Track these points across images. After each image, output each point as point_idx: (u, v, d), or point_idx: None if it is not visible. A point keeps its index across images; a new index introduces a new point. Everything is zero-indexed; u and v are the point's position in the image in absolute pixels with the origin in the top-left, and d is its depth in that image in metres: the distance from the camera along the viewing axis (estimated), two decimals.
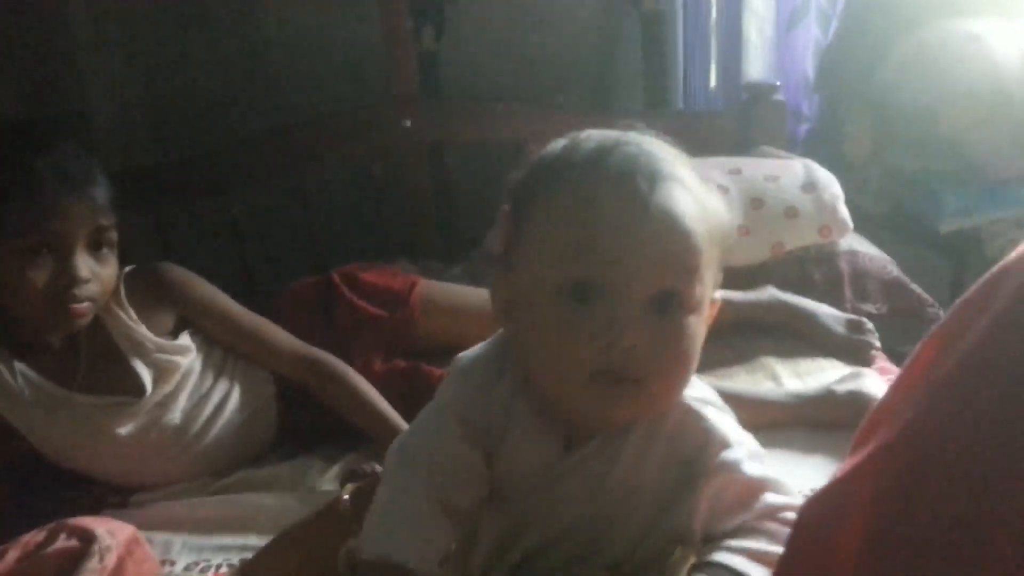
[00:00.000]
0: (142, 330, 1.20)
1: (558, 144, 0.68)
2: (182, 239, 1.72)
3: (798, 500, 0.68)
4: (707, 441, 0.68)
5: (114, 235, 1.14)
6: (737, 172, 1.63)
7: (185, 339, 1.24)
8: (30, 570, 0.99)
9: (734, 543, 0.67)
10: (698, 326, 0.65)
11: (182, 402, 1.23)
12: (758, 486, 0.68)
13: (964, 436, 0.47)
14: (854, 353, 1.35)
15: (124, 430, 1.19)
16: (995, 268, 0.52)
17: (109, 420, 1.19)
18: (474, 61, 1.94)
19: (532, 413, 0.69)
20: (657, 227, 0.62)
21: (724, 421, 0.70)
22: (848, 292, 1.52)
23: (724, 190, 1.60)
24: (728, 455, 0.68)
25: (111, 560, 1.02)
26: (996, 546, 0.44)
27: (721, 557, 0.66)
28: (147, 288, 1.22)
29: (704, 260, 0.63)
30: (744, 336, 1.44)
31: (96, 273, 1.12)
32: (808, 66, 1.97)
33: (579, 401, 0.64)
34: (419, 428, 0.72)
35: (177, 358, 1.22)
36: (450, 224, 1.89)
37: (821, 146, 1.98)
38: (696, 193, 0.65)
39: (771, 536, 0.67)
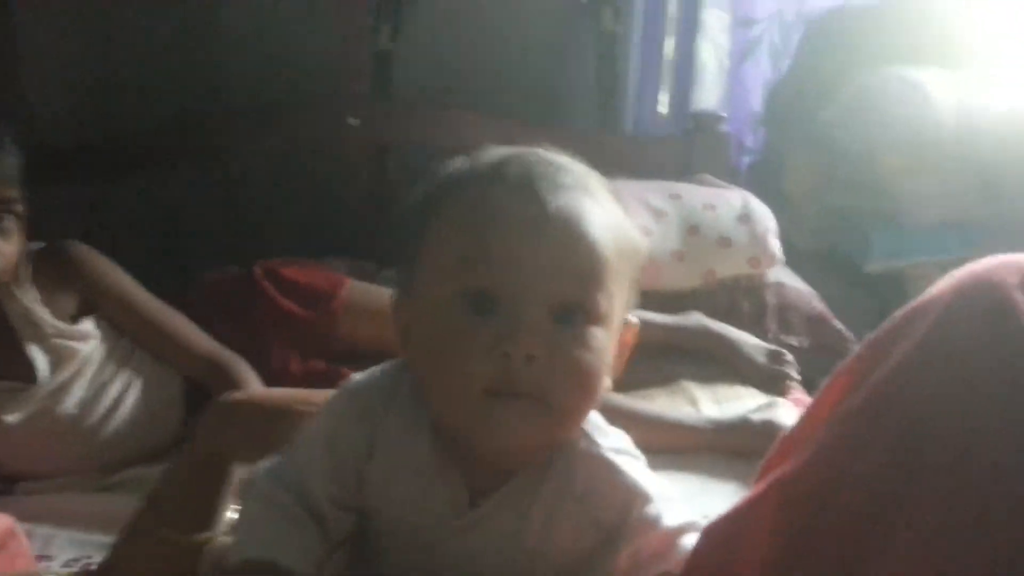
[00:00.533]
0: (44, 313, 1.16)
1: (457, 160, 0.65)
2: (106, 220, 1.67)
3: None
4: (629, 501, 0.64)
5: (19, 208, 1.09)
6: (677, 197, 1.65)
7: (87, 324, 1.20)
8: None
9: None
10: (606, 342, 0.60)
11: (79, 391, 1.18)
12: (676, 534, 0.64)
13: (866, 466, 0.48)
14: (773, 383, 1.37)
15: (12, 417, 1.14)
16: (908, 306, 0.53)
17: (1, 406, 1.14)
18: (428, 64, 1.92)
19: (428, 453, 0.63)
20: (557, 233, 0.58)
21: (640, 471, 0.66)
22: (772, 323, 1.55)
23: (662, 214, 1.61)
24: (649, 511, 0.64)
25: None
26: (894, 573, 0.44)
27: None
28: (54, 268, 1.18)
29: (611, 271, 0.59)
30: (667, 359, 1.45)
31: None
32: (756, 99, 2.01)
33: (474, 422, 0.59)
34: (293, 454, 0.67)
35: (77, 344, 1.18)
36: (388, 225, 1.87)
37: (762, 179, 2.01)
38: (605, 205, 0.61)
39: None
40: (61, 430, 1.17)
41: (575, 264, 0.59)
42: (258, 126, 1.70)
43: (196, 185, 1.76)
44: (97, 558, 1.04)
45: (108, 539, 1.03)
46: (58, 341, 1.16)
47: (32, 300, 1.15)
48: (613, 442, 0.66)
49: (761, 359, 1.40)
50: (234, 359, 1.21)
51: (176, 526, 0.80)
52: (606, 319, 0.60)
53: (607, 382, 0.62)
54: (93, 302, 1.21)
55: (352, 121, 1.72)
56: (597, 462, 0.65)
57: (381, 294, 1.39)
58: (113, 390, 1.21)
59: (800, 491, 0.52)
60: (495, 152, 0.63)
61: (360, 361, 1.33)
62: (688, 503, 0.69)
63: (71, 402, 1.17)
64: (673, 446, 1.21)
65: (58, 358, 1.17)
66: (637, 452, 0.68)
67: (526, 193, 0.59)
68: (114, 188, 1.68)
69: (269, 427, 0.78)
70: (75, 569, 1.01)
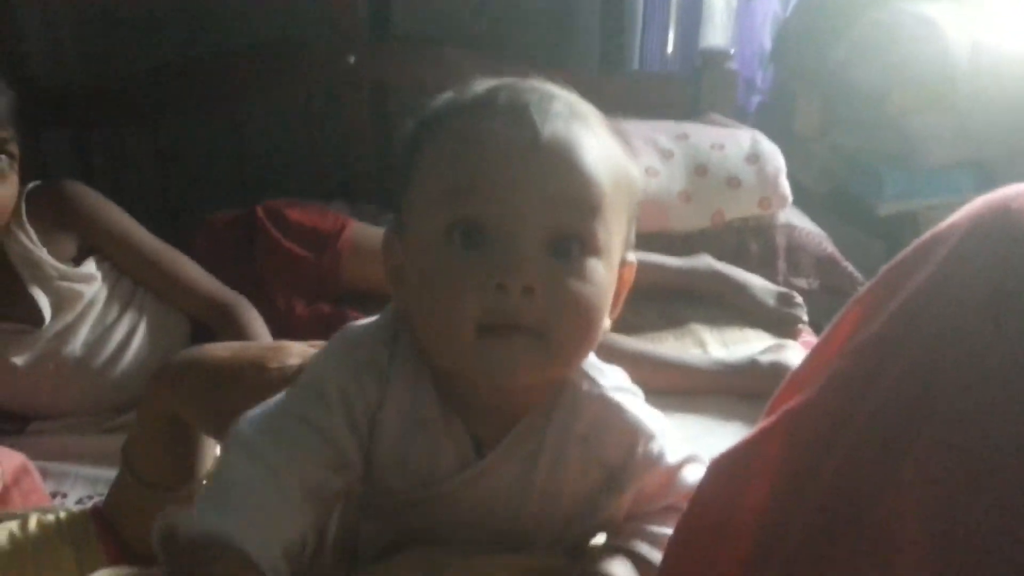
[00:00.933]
0: (43, 254, 1.14)
1: (446, 93, 0.60)
2: (106, 163, 1.65)
3: None
4: (634, 439, 0.63)
5: (14, 148, 1.07)
6: (684, 137, 1.62)
7: (90, 266, 1.18)
8: None
9: (656, 530, 0.64)
10: (605, 277, 0.57)
11: (83, 334, 1.17)
12: (677, 468, 0.65)
13: (875, 400, 0.46)
14: (782, 325, 1.36)
15: (20, 359, 1.14)
16: (925, 236, 0.51)
17: (4, 348, 1.13)
18: (429, 3, 1.88)
19: (432, 404, 0.61)
20: (550, 160, 0.55)
21: (640, 408, 0.65)
22: (782, 265, 1.53)
23: (669, 154, 1.59)
24: (653, 448, 0.64)
25: None
26: (899, 512, 0.43)
27: (642, 549, 0.64)
28: (50, 207, 1.16)
29: (608, 202, 0.56)
30: (675, 302, 1.45)
31: None
32: (765, 37, 1.96)
33: (471, 361, 0.56)
34: (289, 399, 0.61)
35: (80, 286, 1.16)
36: (389, 167, 1.85)
37: (771, 119, 1.97)
38: (600, 136, 0.58)
39: None
40: (67, 372, 1.16)
41: (570, 193, 0.56)
42: (256, 66, 1.66)
43: (198, 127, 1.73)
44: None
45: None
46: (61, 283, 1.15)
47: (31, 241, 1.13)
48: (612, 380, 0.65)
49: (771, 301, 1.39)
50: (238, 300, 1.20)
51: (153, 480, 0.80)
52: (605, 252, 0.57)
53: (606, 322, 0.60)
54: (92, 241, 1.19)
55: (349, 59, 1.68)
56: (600, 402, 0.63)
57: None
58: (118, 332, 1.20)
59: (808, 424, 0.51)
60: (485, 83, 0.59)
61: (365, 303, 1.34)
62: (693, 444, 0.69)
63: (76, 344, 1.17)
64: (680, 387, 1.21)
65: (61, 300, 1.15)
66: (635, 388, 0.67)
67: (517, 120, 0.55)
68: (115, 131, 1.65)
69: (216, 393, 0.74)
70: (87, 506, 1.02)
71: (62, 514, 0.85)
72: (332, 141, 1.74)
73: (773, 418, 0.53)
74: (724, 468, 0.55)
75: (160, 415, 0.78)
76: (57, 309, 1.15)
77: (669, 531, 0.62)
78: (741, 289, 1.42)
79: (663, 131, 1.63)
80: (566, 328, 0.56)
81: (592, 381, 0.64)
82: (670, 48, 2.00)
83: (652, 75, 1.86)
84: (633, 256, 0.63)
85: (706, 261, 1.47)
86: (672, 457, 0.65)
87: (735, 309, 1.42)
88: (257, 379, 0.72)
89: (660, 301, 1.45)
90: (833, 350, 0.53)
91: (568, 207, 0.56)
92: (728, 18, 1.96)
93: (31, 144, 1.66)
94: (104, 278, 1.19)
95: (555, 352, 0.56)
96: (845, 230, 1.82)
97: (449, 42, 1.77)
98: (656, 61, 1.95)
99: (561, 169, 0.55)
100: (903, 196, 1.82)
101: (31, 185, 1.16)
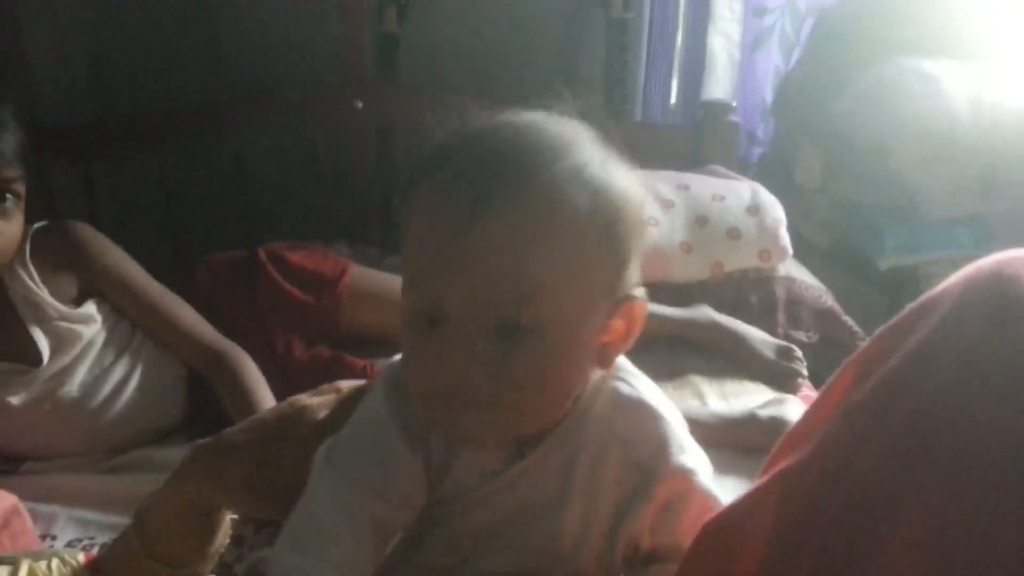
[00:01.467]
0: (44, 294, 1.14)
1: (437, 139, 0.63)
2: (111, 198, 1.67)
3: None
4: (664, 443, 0.63)
5: (20, 188, 1.08)
6: (685, 188, 1.63)
7: (90, 308, 1.19)
8: None
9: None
10: (556, 344, 0.58)
11: (81, 375, 1.17)
12: (713, 506, 0.63)
13: (869, 459, 0.47)
14: (781, 379, 1.35)
15: (16, 399, 1.13)
16: (921, 299, 0.52)
17: (1, 387, 1.13)
18: (435, 48, 1.91)
19: None
20: (478, 256, 0.56)
21: (678, 422, 0.66)
22: (781, 317, 1.53)
23: (670, 204, 1.60)
24: (685, 460, 0.63)
25: None
26: (894, 566, 0.43)
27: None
28: (53, 248, 1.16)
29: (551, 282, 0.57)
30: (674, 353, 1.44)
31: None
32: (767, 90, 1.98)
33: (441, 424, 0.61)
34: (353, 432, 0.65)
35: (79, 327, 1.17)
36: (392, 211, 1.86)
37: (772, 171, 1.99)
38: (556, 202, 0.57)
39: None
40: (63, 413, 1.16)
41: (502, 286, 0.56)
42: (264, 108, 1.69)
43: (204, 165, 1.76)
44: (100, 539, 1.04)
45: (111, 520, 1.05)
46: (60, 324, 1.15)
47: (33, 281, 1.14)
48: (646, 385, 0.66)
49: (770, 354, 1.38)
50: (233, 349, 1.20)
51: (163, 558, 0.77)
52: (555, 325, 0.58)
53: (611, 359, 0.62)
54: (93, 284, 1.19)
55: (357, 104, 1.71)
56: (637, 405, 0.64)
57: (385, 281, 1.38)
58: (115, 374, 1.20)
59: (802, 482, 0.51)
60: (461, 136, 0.61)
61: (364, 347, 1.34)
62: None
63: (73, 385, 1.17)
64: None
65: (60, 341, 1.16)
66: (672, 405, 0.67)
67: (452, 208, 0.56)
68: (121, 166, 1.67)
69: (263, 472, 0.74)
70: (79, 553, 1.01)
71: (54, 562, 0.84)
72: (336, 183, 1.75)
73: (766, 478, 0.53)
74: (716, 531, 0.55)
75: (192, 502, 0.77)
76: (56, 350, 1.15)
77: None
78: (740, 341, 1.42)
79: (664, 181, 1.64)
80: (519, 398, 0.58)
81: (629, 385, 0.65)
82: (673, 99, 2.03)
83: (654, 126, 1.88)
84: (641, 291, 0.63)
85: (706, 312, 1.47)
86: (706, 482, 0.64)
87: (734, 361, 1.41)
88: (296, 450, 0.72)
89: (659, 351, 1.44)
90: (828, 410, 0.53)
91: (502, 298, 0.56)
92: (730, 70, 1.99)
93: (38, 181, 1.69)
94: (103, 320, 1.20)
95: (515, 419, 0.59)
96: (846, 283, 1.82)
97: (454, 88, 1.79)
98: (659, 112, 1.98)
99: (491, 263, 0.56)
100: (904, 250, 1.83)
101: (37, 225, 1.16)
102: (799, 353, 1.38)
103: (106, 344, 1.19)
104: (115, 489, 1.09)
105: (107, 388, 1.19)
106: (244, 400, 1.12)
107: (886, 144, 1.81)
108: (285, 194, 1.78)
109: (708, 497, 0.63)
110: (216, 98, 1.70)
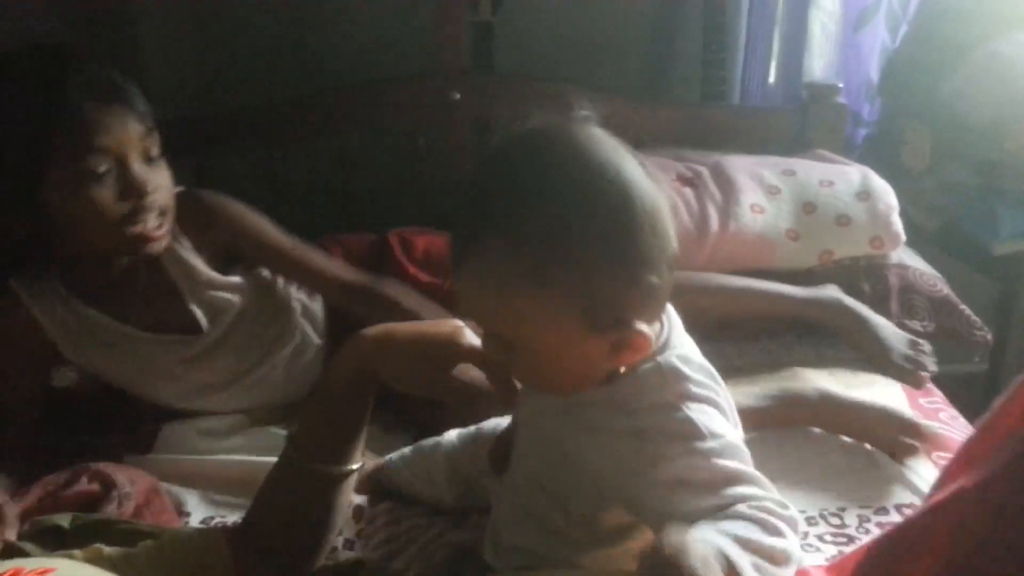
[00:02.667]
0: (198, 265, 1.18)
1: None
2: (217, 189, 1.71)
3: (774, 496, 0.66)
4: (679, 433, 0.68)
5: (158, 139, 1.11)
6: (791, 174, 1.58)
7: (237, 276, 1.23)
8: (50, 509, 0.99)
9: (724, 524, 0.63)
10: (548, 362, 0.70)
11: (236, 341, 1.22)
12: (730, 476, 0.66)
13: None
14: (907, 373, 1.30)
15: (180, 367, 1.20)
16: None
17: (167, 356, 1.19)
18: (529, 36, 1.89)
19: None
20: (464, 290, 0.70)
21: (705, 413, 0.69)
22: (895, 307, 1.47)
23: (776, 191, 1.56)
24: (701, 444, 0.67)
25: (130, 507, 1.03)
26: None
27: (713, 538, 0.62)
28: (195, 215, 1.19)
29: (526, 315, 0.67)
30: (782, 342, 1.43)
31: (157, 183, 1.10)
32: (873, 69, 1.90)
33: None
34: None
35: (231, 296, 1.21)
36: None
37: (878, 152, 1.92)
38: (535, 244, 0.65)
39: (756, 523, 0.63)
40: (219, 376, 1.22)
41: (486, 319, 0.72)
42: (363, 102, 1.70)
43: (307, 159, 1.79)
44: (231, 518, 1.08)
45: (239, 500, 1.09)
46: (213, 293, 1.20)
47: (186, 249, 1.18)
48: (681, 384, 0.71)
49: (898, 346, 1.33)
50: (389, 282, 1.24)
51: (316, 457, 0.86)
52: (536, 345, 0.69)
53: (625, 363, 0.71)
54: (236, 246, 1.23)
55: (454, 95, 1.70)
56: (663, 404, 0.69)
57: None
58: (267, 337, 1.25)
59: (979, 510, 0.49)
60: (489, 154, 0.73)
61: None
62: None
63: (229, 350, 1.22)
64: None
65: (215, 311, 1.20)
66: (713, 385, 0.72)
67: (455, 239, 0.70)
68: (227, 163, 1.71)
69: (422, 362, 0.85)
70: (215, 526, 1.05)
71: (195, 534, 0.88)
72: (434, 175, 1.76)
73: (945, 496, 0.51)
74: (890, 546, 0.53)
75: (349, 383, 0.86)
76: (212, 319, 1.20)
77: (738, 530, 0.62)
78: (865, 327, 1.36)
79: (769, 166, 1.60)
80: (534, 384, 0.76)
81: (664, 356, 0.71)
82: (771, 79, 1.97)
83: (757, 109, 1.83)
84: (641, 327, 0.68)
85: (833, 293, 1.43)
86: (722, 461, 0.67)
87: (856, 349, 1.37)
88: (454, 352, 0.85)
89: (762, 340, 1.43)
90: (1007, 425, 0.51)
91: (485, 319, 0.72)
92: (831, 48, 1.92)
93: None
94: (253, 288, 1.24)
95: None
96: (956, 269, 1.75)
97: (550, 77, 1.78)
98: (757, 94, 1.92)
99: (473, 298, 0.70)
100: (1021, 236, 1.74)
101: (176, 189, 1.18)
102: (928, 347, 1.32)
103: (257, 311, 1.23)
104: (244, 472, 1.13)
105: (259, 351, 1.24)
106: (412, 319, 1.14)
107: (1001, 124, 1.73)
108: (384, 186, 1.80)
109: (723, 470, 0.66)
110: (316, 92, 1.72)
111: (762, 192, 1.55)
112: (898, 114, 1.93)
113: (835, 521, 1.05)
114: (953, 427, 1.22)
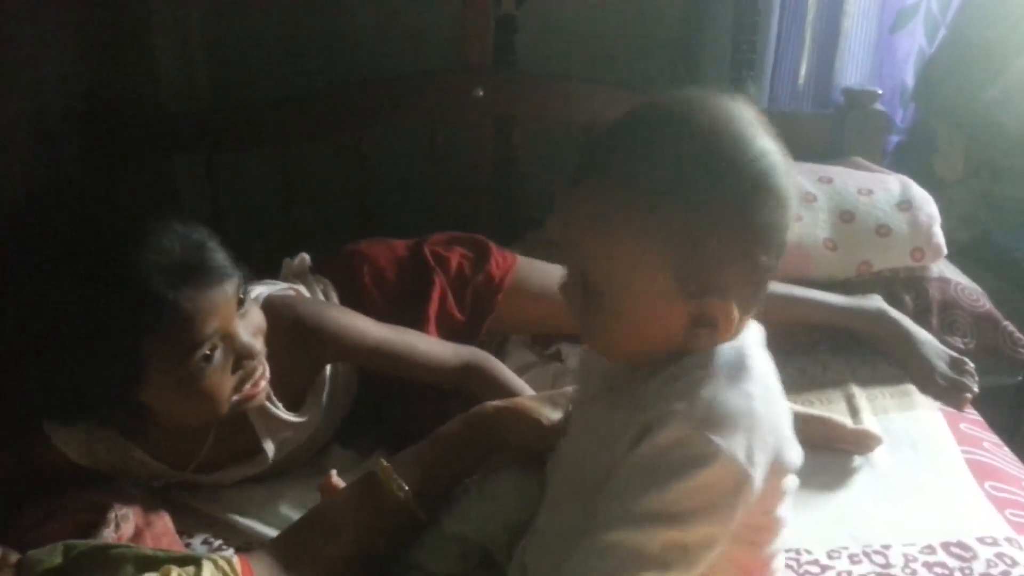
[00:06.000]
0: (279, 411, 1.09)
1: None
2: (234, 189, 1.65)
3: None
4: (677, 458, 0.65)
5: (243, 281, 0.97)
6: (828, 181, 1.52)
7: (313, 410, 1.14)
8: (56, 530, 0.93)
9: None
10: (621, 314, 0.69)
11: (296, 454, 1.15)
12: (660, 549, 0.65)
13: None
14: (948, 393, 1.24)
15: (233, 483, 1.12)
16: None
17: (222, 478, 1.12)
18: (553, 31, 1.83)
19: None
20: (570, 215, 0.69)
21: (738, 443, 0.65)
22: (935, 322, 1.41)
23: (812, 199, 1.49)
24: (676, 499, 0.65)
25: (128, 529, 0.97)
26: None
27: None
28: (284, 337, 1.06)
29: (613, 259, 0.67)
30: (823, 363, 1.36)
31: (253, 332, 0.98)
32: (908, 74, 1.84)
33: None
34: None
35: (304, 431, 1.13)
36: (509, 201, 1.80)
37: (909, 160, 1.86)
38: (659, 182, 0.64)
39: None
40: (266, 475, 1.14)
41: (578, 241, 0.70)
42: (385, 97, 1.64)
43: (324, 154, 1.73)
44: (235, 543, 1.03)
45: (245, 522, 1.05)
46: (288, 434, 1.11)
47: (269, 396, 1.07)
48: (720, 406, 0.67)
49: (940, 363, 1.27)
50: (477, 354, 1.16)
51: (425, 506, 0.88)
52: (613, 294, 0.69)
53: (700, 344, 0.68)
54: (326, 360, 1.14)
55: (478, 92, 1.64)
56: (687, 430, 0.66)
57: (548, 273, 1.31)
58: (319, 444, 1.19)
59: None
60: (648, 100, 0.69)
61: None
62: None
63: (287, 462, 1.14)
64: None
65: (285, 444, 1.12)
66: (766, 412, 0.67)
67: (582, 166, 0.69)
68: (241, 158, 1.65)
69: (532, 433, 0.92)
70: (230, 552, 0.99)
71: (207, 566, 0.81)
72: (455, 173, 1.70)
73: None
74: None
75: (477, 453, 0.93)
76: (280, 449, 1.11)
77: None
78: (908, 341, 1.31)
79: (805, 173, 1.54)
80: (597, 342, 0.76)
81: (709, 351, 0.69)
82: (801, 81, 1.90)
83: (792, 115, 1.76)
84: (731, 305, 0.66)
85: (876, 302, 1.37)
86: (675, 520, 0.65)
87: (898, 364, 1.31)
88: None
89: (798, 358, 1.36)
90: None
91: (578, 252, 0.70)
92: (864, 52, 1.86)
93: (162, 170, 1.67)
94: (323, 411, 1.15)
95: (596, 344, 0.77)
96: (987, 282, 1.69)
97: (573, 75, 1.71)
98: (787, 97, 1.86)
99: (572, 222, 0.70)
100: None
101: (256, 296, 1.07)
102: (971, 367, 1.27)
103: (321, 432, 1.16)
104: (241, 494, 1.09)
105: (310, 453, 1.18)
106: (505, 393, 1.06)
107: None
108: (403, 183, 1.73)
109: None
110: (333, 87, 1.66)
111: (798, 200, 1.48)
112: (931, 121, 1.87)
113: (879, 560, 0.99)
114: (996, 455, 1.16)
